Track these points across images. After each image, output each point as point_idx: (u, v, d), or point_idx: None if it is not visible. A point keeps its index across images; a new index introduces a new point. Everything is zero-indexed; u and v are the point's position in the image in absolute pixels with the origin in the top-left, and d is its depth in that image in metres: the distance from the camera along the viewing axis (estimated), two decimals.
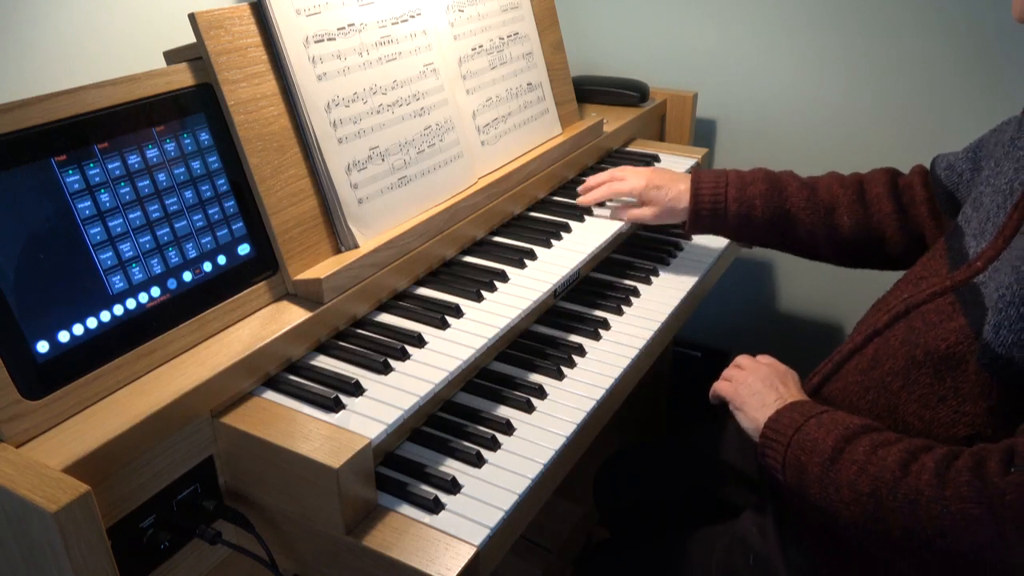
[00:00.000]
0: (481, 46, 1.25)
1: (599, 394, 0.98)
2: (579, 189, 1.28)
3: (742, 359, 1.01)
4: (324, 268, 0.95)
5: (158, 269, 0.84)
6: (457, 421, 0.95)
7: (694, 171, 1.18)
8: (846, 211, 1.10)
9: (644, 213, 1.19)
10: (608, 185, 1.24)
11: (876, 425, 0.83)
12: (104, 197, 0.80)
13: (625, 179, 1.23)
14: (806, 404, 0.88)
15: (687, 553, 1.03)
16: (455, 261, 1.14)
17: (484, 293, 1.04)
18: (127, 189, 0.82)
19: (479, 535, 0.79)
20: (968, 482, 0.71)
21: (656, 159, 1.49)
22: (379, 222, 1.04)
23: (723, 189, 1.14)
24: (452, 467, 0.88)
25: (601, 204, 1.27)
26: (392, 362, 0.91)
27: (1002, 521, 0.69)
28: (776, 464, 0.85)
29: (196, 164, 0.89)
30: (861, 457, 0.78)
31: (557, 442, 0.90)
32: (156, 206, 0.85)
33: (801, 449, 0.83)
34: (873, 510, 0.76)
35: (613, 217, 1.24)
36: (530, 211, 1.28)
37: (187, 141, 0.88)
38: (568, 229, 1.22)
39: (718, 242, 1.34)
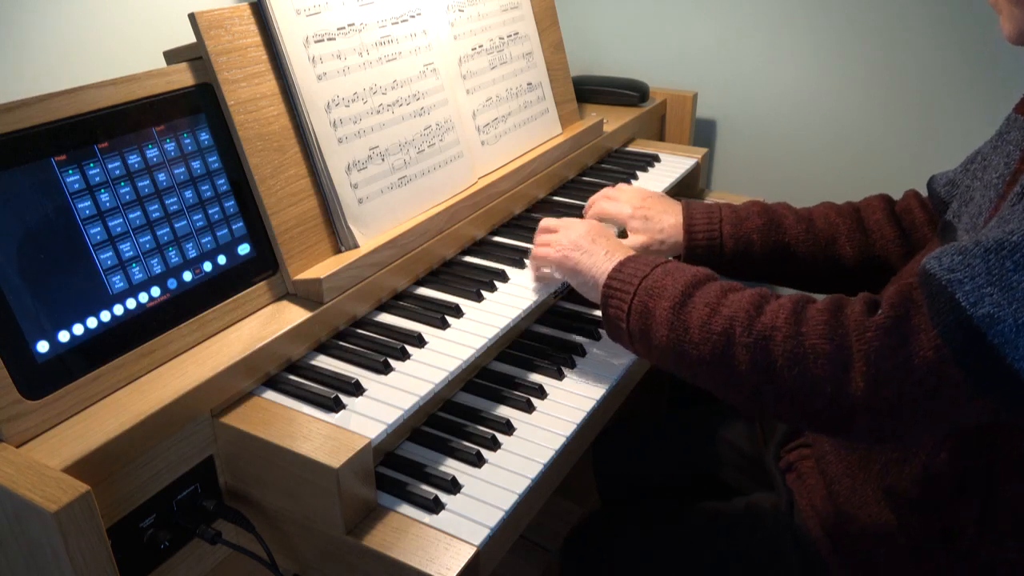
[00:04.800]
0: (481, 46, 1.25)
1: (600, 394, 0.98)
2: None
3: (548, 222, 1.07)
4: (324, 268, 0.95)
5: (158, 269, 0.84)
6: (457, 421, 0.95)
7: (684, 203, 1.14)
8: (847, 240, 1.08)
9: (632, 245, 1.12)
10: (598, 204, 1.20)
11: (717, 275, 0.87)
12: (104, 197, 0.80)
13: (616, 199, 1.18)
14: (646, 256, 0.93)
15: (691, 526, 1.03)
16: (455, 261, 1.14)
17: (484, 293, 1.04)
18: (127, 189, 0.82)
19: (479, 535, 0.79)
20: (826, 321, 0.74)
21: (656, 159, 1.49)
22: (379, 222, 1.04)
23: (717, 226, 1.10)
24: (452, 467, 0.88)
25: None
26: (392, 362, 0.91)
27: (851, 356, 0.71)
28: (620, 313, 0.88)
29: (196, 164, 0.89)
30: (713, 299, 0.81)
31: (557, 442, 0.90)
32: (156, 206, 0.85)
33: (648, 295, 0.86)
34: (723, 347, 0.78)
35: None
36: (530, 211, 1.28)
37: (187, 141, 0.88)
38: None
39: None
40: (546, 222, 1.08)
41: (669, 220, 1.13)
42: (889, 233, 1.07)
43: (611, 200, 1.19)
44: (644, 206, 1.15)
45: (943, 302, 0.67)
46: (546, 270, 1.06)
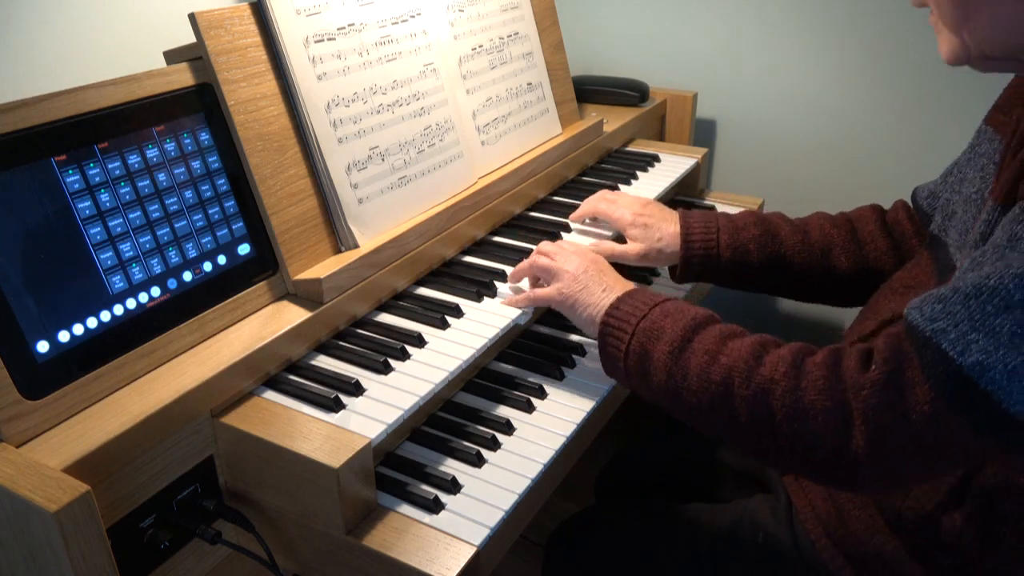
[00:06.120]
0: (481, 46, 1.25)
1: (600, 394, 0.98)
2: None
3: (545, 247, 1.03)
4: (324, 268, 0.95)
5: (158, 269, 0.84)
6: (457, 421, 0.95)
7: (681, 213, 1.13)
8: (842, 252, 1.08)
9: (628, 253, 1.12)
10: (595, 204, 1.19)
11: (719, 317, 0.86)
12: (104, 197, 0.80)
13: (615, 203, 1.17)
14: (644, 291, 0.91)
15: (687, 527, 1.02)
16: (455, 261, 1.14)
17: (484, 293, 1.04)
18: (127, 189, 0.82)
19: (479, 535, 0.79)
20: (825, 376, 0.73)
21: (656, 159, 1.49)
22: (379, 222, 1.04)
23: (714, 235, 1.09)
24: (452, 467, 0.88)
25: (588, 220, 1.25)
26: (392, 362, 0.91)
27: (851, 414, 0.71)
28: (618, 353, 0.87)
29: (196, 164, 0.89)
30: (712, 347, 0.80)
31: (557, 442, 0.90)
32: (156, 206, 0.85)
33: (647, 337, 0.84)
34: (722, 397, 0.77)
35: (595, 250, 1.13)
36: (530, 211, 1.28)
37: (187, 141, 0.88)
38: (568, 229, 1.22)
39: None
40: (544, 246, 1.04)
41: (669, 229, 1.12)
42: (882, 245, 1.08)
43: (611, 203, 1.18)
44: (644, 213, 1.14)
45: (931, 353, 0.67)
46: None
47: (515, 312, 1.01)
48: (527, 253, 1.13)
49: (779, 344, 0.79)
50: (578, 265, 0.97)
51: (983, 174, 0.83)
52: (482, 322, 0.99)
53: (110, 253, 0.81)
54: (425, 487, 0.85)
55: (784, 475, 1.00)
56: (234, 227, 0.92)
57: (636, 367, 0.85)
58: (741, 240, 1.09)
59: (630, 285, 0.94)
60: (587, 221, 1.24)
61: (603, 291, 0.93)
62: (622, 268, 1.05)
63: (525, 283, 1.06)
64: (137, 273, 0.83)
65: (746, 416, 0.76)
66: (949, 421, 0.66)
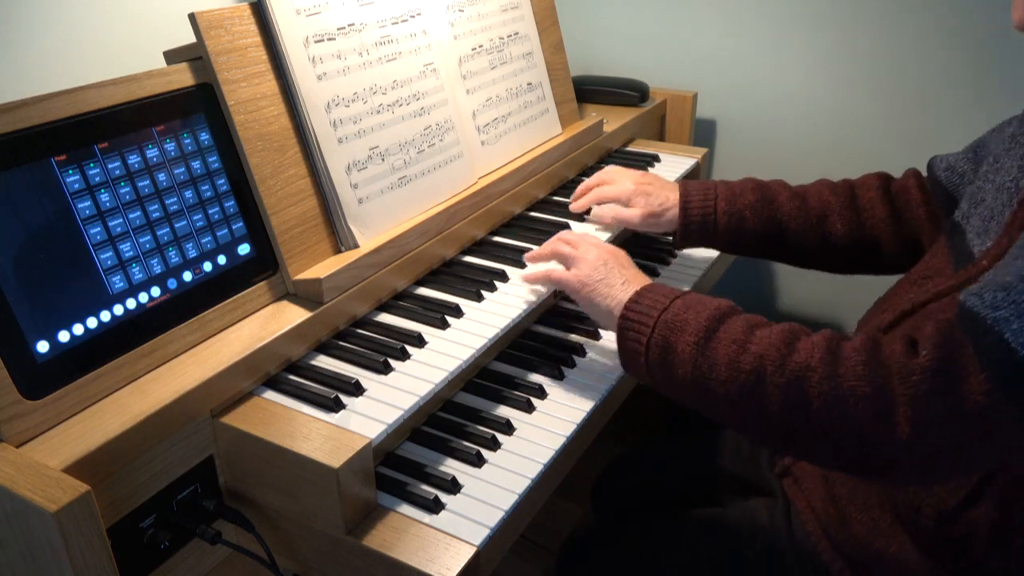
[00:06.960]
0: (481, 46, 1.25)
1: (600, 394, 0.98)
2: (572, 198, 1.26)
3: (566, 235, 1.04)
4: (324, 268, 0.95)
5: (158, 269, 0.84)
6: (457, 421, 0.95)
7: (682, 182, 1.15)
8: (839, 218, 1.08)
9: (632, 216, 1.15)
10: (597, 190, 1.21)
11: (740, 308, 0.85)
12: (104, 197, 0.80)
13: (614, 182, 1.19)
14: (664, 286, 0.90)
15: (690, 532, 1.02)
16: (455, 261, 1.14)
17: (484, 293, 1.04)
18: (127, 189, 0.82)
19: (479, 535, 0.79)
20: (864, 362, 0.71)
21: (656, 159, 1.49)
22: (379, 222, 1.04)
23: (712, 202, 1.11)
24: (452, 467, 0.88)
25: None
26: (392, 362, 0.91)
27: (893, 400, 0.68)
28: (639, 347, 0.85)
29: (196, 164, 0.89)
30: (740, 336, 0.78)
31: (557, 442, 0.90)
32: (156, 206, 0.85)
33: (669, 329, 0.83)
34: (753, 386, 0.75)
35: (600, 219, 1.20)
36: (530, 211, 1.28)
37: (187, 141, 0.88)
38: (568, 229, 1.22)
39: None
40: (565, 235, 1.05)
41: (670, 196, 1.14)
42: (880, 212, 1.08)
43: (609, 183, 1.20)
44: (645, 182, 1.17)
45: (990, 342, 0.65)
46: (541, 289, 1.04)
47: (515, 312, 1.01)
48: (527, 253, 1.13)
49: (808, 332, 0.78)
50: (598, 256, 0.96)
51: (1021, 163, 0.82)
52: (482, 322, 0.99)
53: (110, 253, 0.81)
54: (425, 487, 0.85)
55: (784, 478, 1.00)
56: (234, 227, 0.92)
57: (659, 360, 0.83)
58: (738, 207, 1.10)
59: (648, 279, 0.93)
60: (586, 218, 1.24)
61: (623, 283, 0.92)
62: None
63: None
64: (137, 273, 0.83)
65: (779, 405, 0.74)
66: (1004, 414, 0.65)
